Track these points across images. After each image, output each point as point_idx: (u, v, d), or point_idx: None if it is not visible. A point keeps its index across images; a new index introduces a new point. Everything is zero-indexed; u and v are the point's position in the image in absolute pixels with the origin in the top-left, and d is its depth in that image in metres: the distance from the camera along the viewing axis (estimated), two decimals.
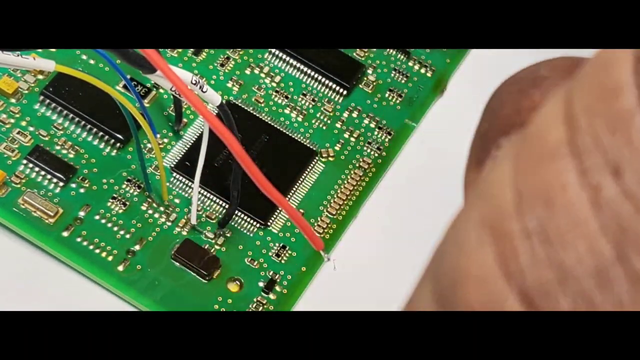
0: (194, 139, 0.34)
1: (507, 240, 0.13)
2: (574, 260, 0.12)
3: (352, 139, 0.35)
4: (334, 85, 0.35)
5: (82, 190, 0.32)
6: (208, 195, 0.33)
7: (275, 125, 0.34)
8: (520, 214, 0.13)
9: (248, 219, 0.32)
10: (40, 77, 0.34)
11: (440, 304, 0.14)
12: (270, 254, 0.32)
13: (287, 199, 0.33)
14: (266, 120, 0.34)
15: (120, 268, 0.31)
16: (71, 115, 0.33)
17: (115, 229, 0.32)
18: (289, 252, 0.32)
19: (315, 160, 0.34)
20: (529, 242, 0.13)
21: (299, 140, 0.34)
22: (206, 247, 0.32)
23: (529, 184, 0.13)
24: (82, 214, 0.32)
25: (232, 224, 0.32)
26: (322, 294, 0.32)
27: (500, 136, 0.17)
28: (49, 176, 0.32)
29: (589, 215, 0.13)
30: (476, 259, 0.13)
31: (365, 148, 0.35)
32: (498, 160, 0.14)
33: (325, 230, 0.33)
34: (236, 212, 0.32)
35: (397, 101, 0.36)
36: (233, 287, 0.32)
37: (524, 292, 0.13)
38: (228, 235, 0.32)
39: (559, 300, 0.13)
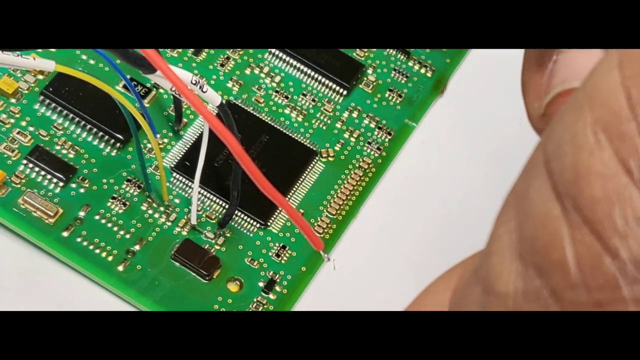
0: (194, 139, 0.34)
1: (625, 139, 0.14)
2: None
3: (352, 139, 0.35)
4: (334, 85, 0.35)
5: (82, 190, 0.32)
6: (208, 195, 0.33)
7: (275, 125, 0.34)
8: (635, 115, 0.14)
9: (248, 219, 0.32)
10: (40, 77, 0.34)
11: (560, 198, 0.15)
12: (270, 254, 0.32)
13: (287, 199, 0.33)
14: (266, 120, 0.34)
15: (120, 268, 0.31)
16: (71, 115, 0.33)
17: (115, 229, 0.32)
18: (289, 252, 0.32)
19: (315, 160, 0.34)
20: None
21: (299, 140, 0.34)
22: (206, 247, 0.32)
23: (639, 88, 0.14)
24: (82, 214, 0.32)
25: (232, 224, 0.32)
26: (322, 294, 0.32)
27: None
28: (49, 176, 0.32)
29: None
30: (597, 157, 0.14)
31: (365, 148, 0.35)
32: (600, 68, 0.15)
33: (325, 230, 0.33)
34: (236, 212, 0.32)
35: (397, 101, 0.36)
36: (233, 287, 0.32)
37: None
38: (228, 235, 0.32)
39: None
